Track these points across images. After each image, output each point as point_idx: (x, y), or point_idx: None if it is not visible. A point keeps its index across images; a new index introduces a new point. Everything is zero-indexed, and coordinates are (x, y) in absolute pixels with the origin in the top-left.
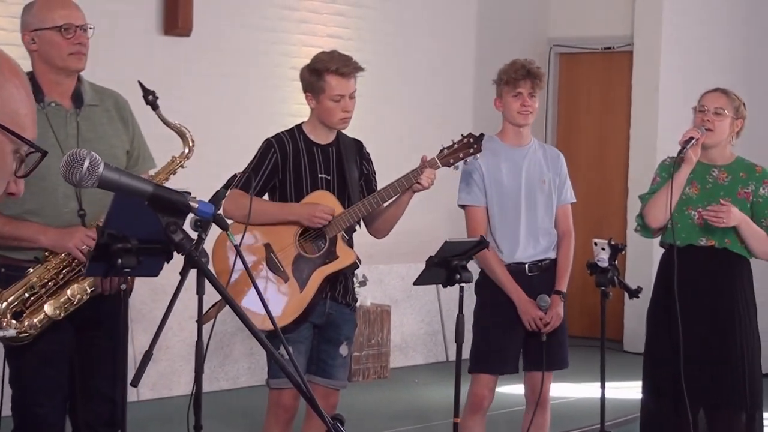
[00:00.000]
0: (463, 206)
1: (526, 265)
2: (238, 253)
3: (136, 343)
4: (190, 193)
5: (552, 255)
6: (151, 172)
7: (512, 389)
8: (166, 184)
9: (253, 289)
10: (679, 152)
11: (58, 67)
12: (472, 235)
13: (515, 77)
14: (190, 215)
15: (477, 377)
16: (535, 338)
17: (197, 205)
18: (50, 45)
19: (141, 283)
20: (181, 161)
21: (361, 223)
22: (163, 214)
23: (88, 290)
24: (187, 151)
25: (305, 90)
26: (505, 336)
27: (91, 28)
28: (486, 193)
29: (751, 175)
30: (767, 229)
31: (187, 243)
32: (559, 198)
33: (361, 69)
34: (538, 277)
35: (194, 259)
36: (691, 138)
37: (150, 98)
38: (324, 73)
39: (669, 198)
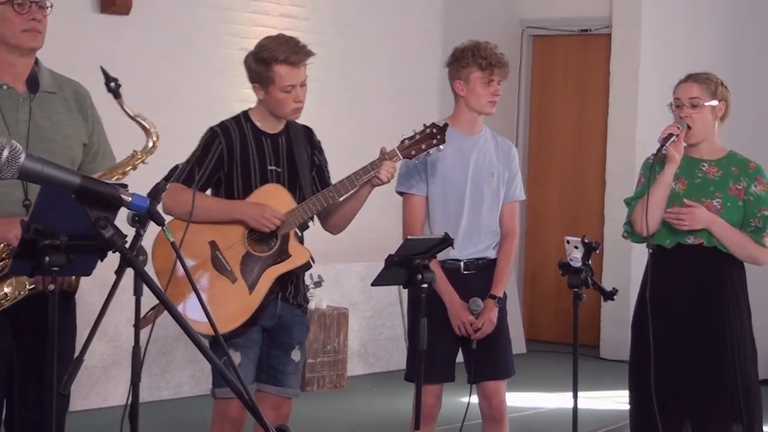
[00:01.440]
0: (400, 193)
1: (462, 263)
2: (176, 253)
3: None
4: (125, 186)
5: (492, 255)
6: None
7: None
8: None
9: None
10: (658, 150)
11: (11, 45)
12: (408, 226)
13: (491, 64)
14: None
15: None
16: (478, 345)
17: (131, 199)
18: (2, 21)
19: (89, 286)
20: (142, 157)
21: (315, 218)
22: (92, 209)
23: (28, 286)
24: (150, 145)
25: (252, 80)
26: (440, 341)
27: (48, 6)
28: (428, 182)
29: (744, 171)
30: (756, 230)
31: (118, 240)
32: (507, 194)
33: (311, 54)
34: (475, 276)
35: (128, 258)
36: (671, 135)
37: (112, 86)
38: (272, 62)
39: (645, 205)
